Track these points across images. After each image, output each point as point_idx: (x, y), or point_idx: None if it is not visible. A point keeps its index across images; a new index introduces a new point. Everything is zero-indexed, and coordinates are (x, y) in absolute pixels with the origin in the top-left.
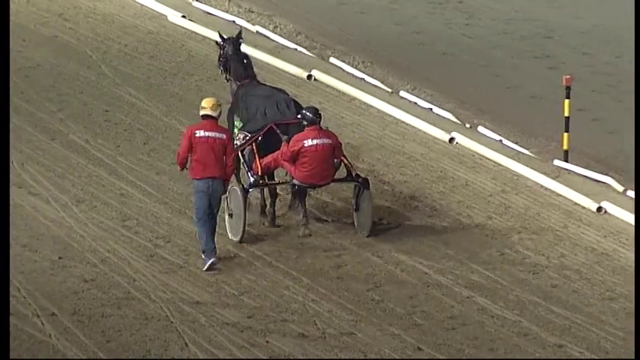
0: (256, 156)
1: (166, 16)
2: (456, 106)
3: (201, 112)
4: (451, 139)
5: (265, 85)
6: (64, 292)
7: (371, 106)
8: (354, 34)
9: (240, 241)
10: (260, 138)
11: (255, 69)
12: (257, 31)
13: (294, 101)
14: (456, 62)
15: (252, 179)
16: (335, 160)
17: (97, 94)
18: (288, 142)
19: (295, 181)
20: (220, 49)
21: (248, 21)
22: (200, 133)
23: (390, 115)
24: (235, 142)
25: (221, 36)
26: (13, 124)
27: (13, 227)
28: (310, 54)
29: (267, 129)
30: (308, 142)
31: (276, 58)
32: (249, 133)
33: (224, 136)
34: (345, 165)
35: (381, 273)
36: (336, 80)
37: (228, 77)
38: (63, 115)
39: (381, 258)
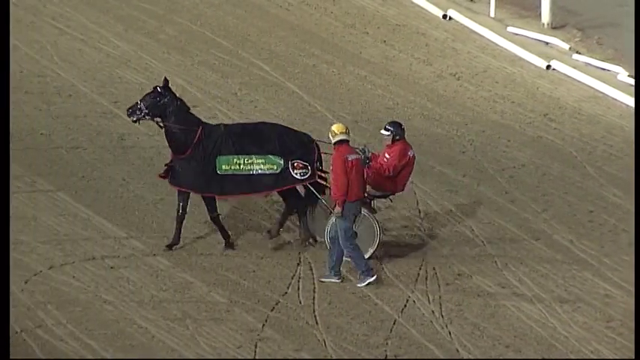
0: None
1: None
2: None
3: (336, 139)
4: None
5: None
6: None
7: None
8: None
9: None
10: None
11: None
12: None
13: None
14: None
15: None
16: None
17: (582, 195)
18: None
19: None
20: (159, 97)
21: None
22: (351, 157)
23: None
24: (295, 173)
25: (165, 86)
26: None
27: (498, 327)
28: None
29: (318, 152)
30: (411, 153)
31: None
32: (303, 161)
33: (359, 157)
34: None
35: None
36: None
37: (167, 124)
38: (547, 215)
39: None
